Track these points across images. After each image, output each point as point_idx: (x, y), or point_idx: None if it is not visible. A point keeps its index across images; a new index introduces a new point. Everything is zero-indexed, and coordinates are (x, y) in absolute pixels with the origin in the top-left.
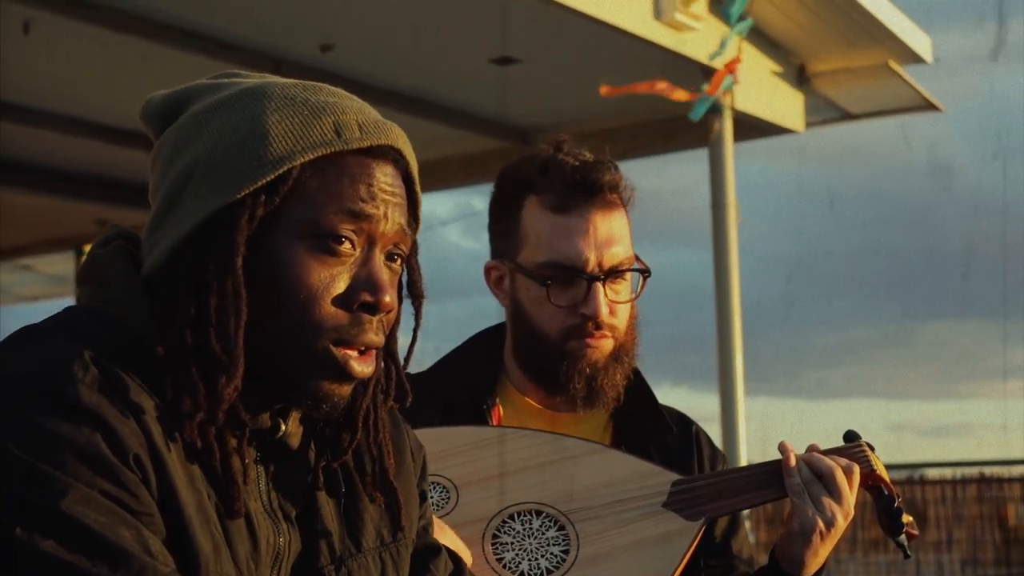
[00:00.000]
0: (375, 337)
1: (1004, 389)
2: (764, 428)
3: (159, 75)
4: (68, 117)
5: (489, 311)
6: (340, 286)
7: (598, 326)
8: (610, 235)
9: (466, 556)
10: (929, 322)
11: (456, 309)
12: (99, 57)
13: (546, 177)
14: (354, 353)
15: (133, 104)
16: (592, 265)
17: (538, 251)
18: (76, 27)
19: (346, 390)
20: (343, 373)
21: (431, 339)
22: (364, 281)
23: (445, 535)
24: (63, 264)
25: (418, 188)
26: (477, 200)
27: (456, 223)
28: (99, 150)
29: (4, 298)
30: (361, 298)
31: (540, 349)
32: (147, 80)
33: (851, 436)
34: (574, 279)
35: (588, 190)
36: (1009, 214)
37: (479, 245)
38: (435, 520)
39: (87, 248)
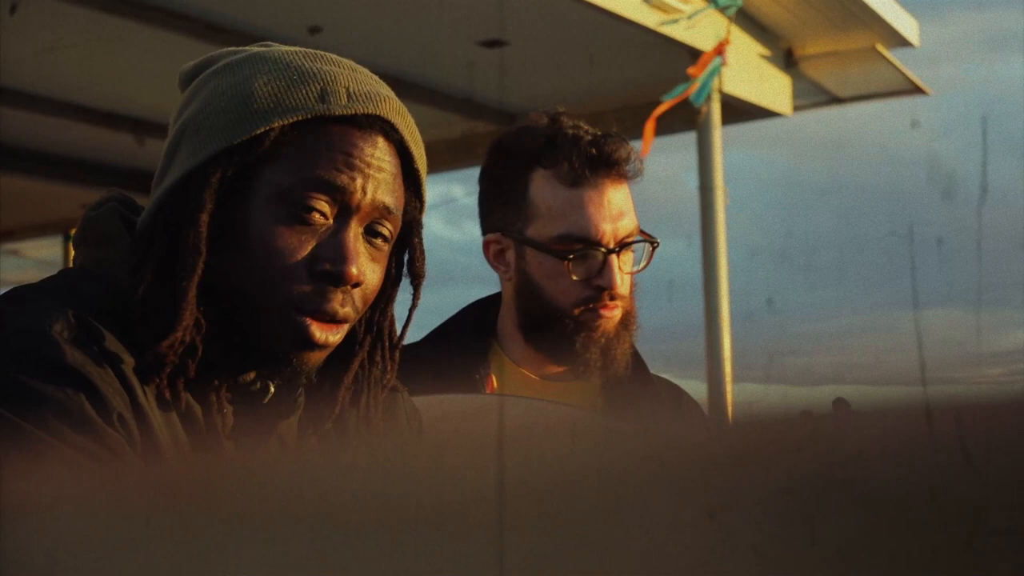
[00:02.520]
0: (340, 309)
1: (987, 377)
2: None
3: (146, 57)
4: (56, 100)
5: (471, 300)
6: (304, 252)
7: (612, 297)
8: (621, 207)
9: None
10: (912, 310)
11: (436, 298)
12: (87, 39)
13: (557, 150)
14: (318, 322)
15: (121, 87)
16: (608, 238)
17: (552, 225)
18: (64, 9)
19: (311, 357)
20: (304, 338)
21: (411, 325)
22: (329, 249)
23: None
24: (51, 249)
25: (419, 165)
26: (457, 188)
27: (437, 210)
28: (87, 133)
29: None
30: (322, 267)
31: (553, 321)
32: (134, 62)
33: (840, 403)
34: (591, 252)
35: (604, 163)
36: (992, 202)
37: (460, 233)
38: None
39: (75, 232)
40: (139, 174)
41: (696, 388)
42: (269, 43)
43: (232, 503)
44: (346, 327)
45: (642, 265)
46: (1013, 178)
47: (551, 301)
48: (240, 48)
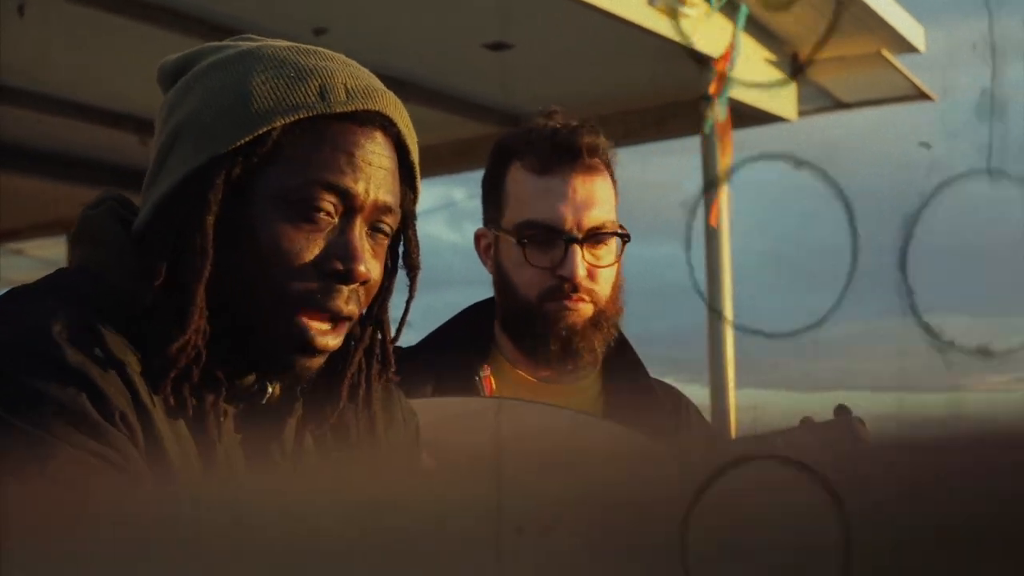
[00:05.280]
0: (345, 306)
1: (992, 383)
2: (753, 419)
3: (152, 57)
4: (60, 99)
5: (469, 303)
6: (313, 252)
7: (575, 288)
8: (590, 197)
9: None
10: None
11: (438, 300)
12: (92, 39)
13: (529, 141)
14: (321, 325)
15: (126, 86)
16: (570, 225)
17: (518, 212)
18: (71, 9)
19: (312, 362)
20: (305, 343)
21: (413, 329)
22: (338, 249)
23: None
24: (55, 248)
25: (414, 158)
26: (458, 191)
27: (439, 213)
28: (93, 133)
29: None
30: (333, 266)
31: (519, 311)
32: (139, 62)
33: (841, 410)
34: (552, 240)
35: (568, 152)
36: (997, 208)
37: (461, 237)
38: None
39: (71, 231)
40: (142, 173)
41: (699, 393)
42: (251, 36)
43: (228, 527)
44: (347, 327)
45: (612, 260)
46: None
47: (518, 290)
48: (223, 44)
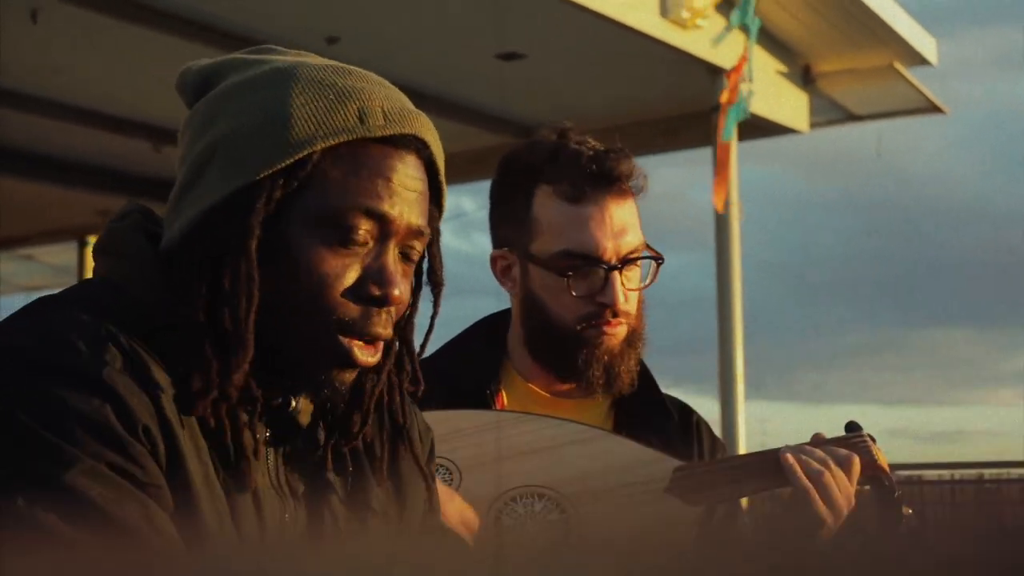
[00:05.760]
0: (382, 330)
1: (999, 397)
2: (762, 432)
3: (164, 65)
4: (73, 106)
5: (481, 313)
6: (351, 277)
7: (615, 314)
8: (624, 224)
9: (472, 523)
10: (924, 329)
11: (446, 310)
12: (105, 46)
13: (558, 166)
14: (359, 343)
15: (138, 94)
16: (609, 255)
17: (553, 241)
18: (84, 16)
19: (348, 377)
20: (347, 361)
21: (421, 336)
22: (375, 274)
23: (453, 503)
24: (65, 254)
25: (442, 177)
26: (467, 200)
27: (448, 223)
28: (104, 140)
29: (5, 288)
30: (370, 291)
31: (556, 337)
32: (152, 70)
33: (852, 427)
34: (592, 268)
35: (604, 180)
36: (1008, 221)
37: (470, 246)
38: (443, 488)
39: (90, 238)
40: (154, 181)
41: (708, 405)
42: (274, 47)
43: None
44: (382, 345)
45: (647, 282)
46: None
47: (554, 317)
48: (252, 57)
